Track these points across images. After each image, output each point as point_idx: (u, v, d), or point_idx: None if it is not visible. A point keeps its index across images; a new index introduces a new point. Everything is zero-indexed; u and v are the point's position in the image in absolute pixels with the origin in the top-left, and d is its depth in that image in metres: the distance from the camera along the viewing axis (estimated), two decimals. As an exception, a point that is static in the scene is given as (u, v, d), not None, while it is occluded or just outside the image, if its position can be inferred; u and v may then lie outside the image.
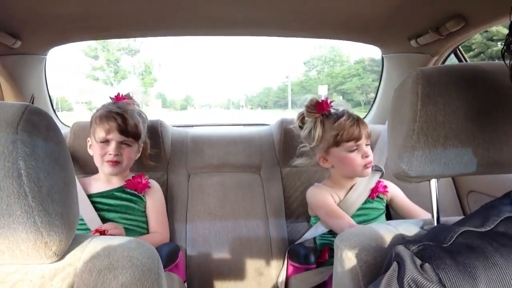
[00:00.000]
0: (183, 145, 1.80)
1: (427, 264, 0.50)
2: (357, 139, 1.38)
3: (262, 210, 1.67)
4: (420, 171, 0.72)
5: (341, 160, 1.42)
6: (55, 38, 1.66)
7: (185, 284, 1.47)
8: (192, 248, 1.60)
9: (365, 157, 1.39)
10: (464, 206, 1.67)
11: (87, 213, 1.39)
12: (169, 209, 1.63)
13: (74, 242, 0.66)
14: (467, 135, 0.70)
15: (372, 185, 1.48)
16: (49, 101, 1.99)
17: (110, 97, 1.55)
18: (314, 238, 1.57)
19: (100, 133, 1.40)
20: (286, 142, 1.74)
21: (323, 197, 1.46)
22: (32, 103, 1.77)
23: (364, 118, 2.23)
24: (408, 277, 0.50)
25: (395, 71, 1.90)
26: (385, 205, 1.53)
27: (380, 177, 1.53)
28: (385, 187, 1.50)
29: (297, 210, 1.69)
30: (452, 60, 1.67)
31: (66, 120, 2.07)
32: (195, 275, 1.57)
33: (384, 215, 1.51)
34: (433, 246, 0.53)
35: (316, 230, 1.52)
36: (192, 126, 2.19)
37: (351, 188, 1.47)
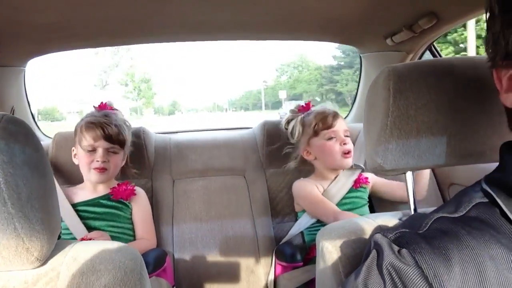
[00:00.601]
0: (167, 151, 1.80)
1: (404, 249, 0.51)
2: (332, 126, 1.48)
3: (248, 211, 1.68)
4: (394, 164, 0.74)
5: (321, 148, 1.51)
6: (33, 49, 1.65)
7: None
8: (180, 252, 1.60)
9: (343, 144, 1.47)
10: (446, 199, 1.70)
11: (73, 222, 1.39)
12: (155, 215, 1.63)
13: (56, 248, 0.66)
14: (439, 127, 0.72)
15: (355, 177, 1.54)
16: (29, 112, 1.97)
17: (94, 106, 1.55)
18: (303, 236, 1.59)
19: (87, 141, 1.40)
20: (269, 143, 1.76)
21: (308, 187, 1.53)
22: (13, 114, 1.76)
23: (345, 117, 2.27)
24: (387, 262, 0.51)
25: (373, 69, 1.94)
26: (367, 195, 1.58)
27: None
28: (367, 178, 1.56)
29: (282, 211, 1.70)
30: (428, 57, 1.71)
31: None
32: (183, 279, 1.57)
33: (367, 206, 1.56)
34: (409, 232, 0.55)
35: (300, 224, 1.56)
36: (176, 132, 2.19)
37: (334, 179, 1.54)
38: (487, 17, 0.54)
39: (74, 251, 0.66)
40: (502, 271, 0.48)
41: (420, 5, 1.28)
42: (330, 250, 0.76)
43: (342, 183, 1.53)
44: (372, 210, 1.66)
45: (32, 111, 2.02)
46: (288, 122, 1.65)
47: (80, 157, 1.44)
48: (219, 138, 1.91)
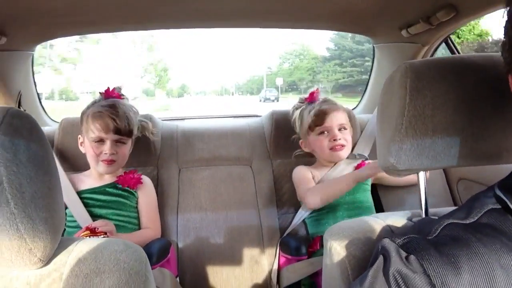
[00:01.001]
0: (173, 139, 1.78)
1: (412, 255, 0.50)
2: (325, 122, 1.51)
3: (253, 202, 1.68)
4: (408, 164, 0.72)
5: (314, 143, 1.56)
6: (41, 34, 1.63)
7: (177, 278, 1.47)
8: (184, 242, 1.60)
9: (333, 140, 1.50)
10: (454, 194, 1.68)
11: (77, 210, 1.39)
12: (160, 203, 1.62)
13: (60, 246, 0.65)
14: (456, 128, 0.70)
15: (354, 165, 1.57)
16: (37, 97, 1.97)
17: (100, 93, 1.50)
18: (306, 227, 1.60)
19: (94, 133, 1.38)
20: (277, 134, 1.74)
21: (302, 173, 1.58)
22: (19, 99, 1.75)
23: (355, 108, 2.23)
24: (394, 269, 0.51)
25: (386, 61, 1.90)
26: (369, 182, 1.59)
27: None
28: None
29: (288, 201, 1.69)
30: (443, 51, 1.67)
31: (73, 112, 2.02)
32: (187, 269, 1.58)
33: (369, 193, 1.59)
34: (418, 238, 0.54)
35: (301, 213, 1.58)
36: (183, 119, 2.17)
37: (334, 166, 1.58)
38: (505, 21, 0.52)
39: (77, 250, 0.65)
40: None
41: None
42: (338, 251, 0.74)
43: (342, 169, 1.55)
44: (378, 198, 1.66)
45: (39, 94, 2.01)
46: (293, 112, 1.66)
47: (87, 148, 1.42)
48: (227, 126, 1.90)
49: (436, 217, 0.78)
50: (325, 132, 1.52)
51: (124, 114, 1.40)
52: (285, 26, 1.82)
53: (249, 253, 1.61)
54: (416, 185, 1.52)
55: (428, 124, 0.69)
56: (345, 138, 1.53)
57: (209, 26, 1.78)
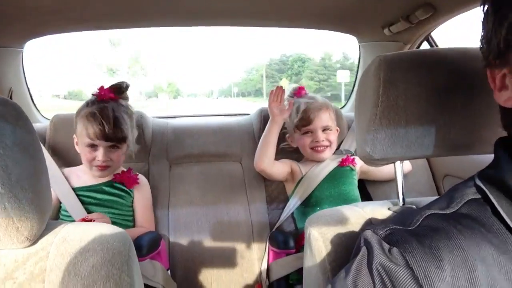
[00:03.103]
0: (164, 136, 1.80)
1: (394, 248, 0.51)
2: (309, 123, 1.55)
3: (243, 197, 1.70)
4: (383, 153, 0.75)
5: (297, 141, 1.62)
6: (31, 31, 1.64)
7: (169, 271, 1.50)
8: (175, 236, 1.62)
9: (315, 141, 1.55)
10: (440, 190, 1.72)
11: (73, 206, 1.38)
12: (152, 199, 1.64)
13: (48, 228, 0.67)
14: (428, 118, 0.72)
15: (339, 160, 1.61)
16: (28, 94, 1.97)
17: (92, 94, 1.42)
18: (295, 222, 1.63)
19: (86, 139, 1.34)
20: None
21: (286, 160, 1.65)
22: (10, 97, 1.76)
23: (343, 106, 2.28)
24: (376, 262, 0.51)
25: (371, 59, 1.91)
26: (356, 175, 1.64)
27: None
28: (353, 159, 1.62)
29: (277, 197, 1.72)
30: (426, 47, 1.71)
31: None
32: (178, 263, 1.59)
33: (355, 185, 1.62)
34: (400, 230, 0.55)
35: (289, 207, 1.61)
36: (173, 117, 2.20)
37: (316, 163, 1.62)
38: (482, 17, 0.53)
39: (64, 231, 0.67)
40: (492, 272, 0.48)
41: None
42: (316, 238, 0.77)
43: (324, 165, 1.60)
44: (366, 192, 1.71)
45: (31, 93, 2.02)
46: None
47: (81, 150, 1.39)
48: (216, 124, 1.92)
49: (414, 206, 0.82)
50: (309, 133, 1.57)
51: (116, 119, 1.35)
52: (269, 25, 1.85)
53: (240, 248, 1.64)
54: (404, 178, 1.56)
55: (401, 115, 0.72)
56: (329, 138, 1.57)
57: (195, 25, 1.80)
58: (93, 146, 1.36)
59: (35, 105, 2.06)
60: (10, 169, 0.57)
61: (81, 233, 0.67)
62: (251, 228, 1.66)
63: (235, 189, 1.72)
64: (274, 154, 1.58)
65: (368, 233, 0.57)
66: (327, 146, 1.57)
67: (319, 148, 1.56)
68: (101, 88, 1.42)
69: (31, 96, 2.01)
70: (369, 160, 0.81)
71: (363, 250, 0.56)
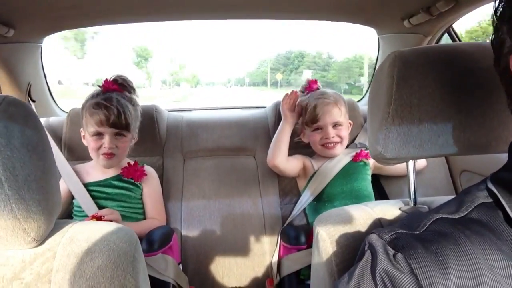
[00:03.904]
0: (178, 129, 1.81)
1: (399, 253, 0.49)
2: (319, 120, 1.53)
3: (256, 192, 1.70)
4: (395, 153, 0.73)
5: (308, 137, 1.60)
6: (49, 26, 1.66)
7: (180, 266, 1.51)
8: (187, 230, 1.64)
9: (325, 138, 1.53)
10: (457, 186, 1.68)
11: (85, 201, 1.41)
12: (165, 192, 1.66)
13: (55, 228, 0.68)
14: (443, 117, 0.70)
15: (353, 154, 1.59)
16: (46, 89, 2.00)
17: (99, 86, 1.48)
18: (307, 217, 1.62)
19: (92, 127, 1.38)
20: None
21: (295, 156, 1.64)
22: (29, 91, 1.79)
23: (360, 99, 2.23)
24: (380, 268, 0.50)
25: (390, 51, 1.87)
26: (369, 170, 1.62)
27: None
28: (367, 153, 1.59)
29: (291, 192, 1.71)
30: (448, 40, 1.66)
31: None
32: (190, 257, 1.61)
33: (368, 181, 1.60)
34: (406, 234, 0.53)
35: (301, 202, 1.60)
36: (189, 110, 2.20)
37: (329, 158, 1.60)
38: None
39: (72, 231, 0.68)
40: (499, 280, 0.46)
41: None
42: (324, 238, 0.76)
43: (337, 160, 1.58)
44: (381, 187, 1.67)
45: (50, 87, 2.05)
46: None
47: (88, 141, 1.43)
48: (231, 117, 1.92)
49: (426, 207, 0.79)
50: (319, 129, 1.54)
51: (121, 107, 1.39)
52: (286, 17, 1.81)
53: (251, 242, 1.64)
54: (419, 174, 1.52)
55: (414, 113, 0.70)
56: (340, 134, 1.54)
57: (210, 18, 1.78)
58: (99, 135, 1.39)
59: (53, 98, 2.09)
60: (18, 171, 0.57)
61: (88, 233, 0.67)
62: (263, 222, 1.65)
63: (248, 183, 1.72)
64: (287, 151, 1.58)
65: (373, 237, 0.55)
66: (337, 142, 1.54)
67: (329, 145, 1.54)
68: (106, 80, 1.48)
69: (49, 90, 2.03)
70: (381, 159, 0.78)
71: (367, 254, 0.54)
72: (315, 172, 1.58)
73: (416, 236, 0.52)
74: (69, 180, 1.44)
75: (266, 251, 1.63)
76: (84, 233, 0.67)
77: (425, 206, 0.80)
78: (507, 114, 0.55)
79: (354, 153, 1.58)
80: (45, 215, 0.61)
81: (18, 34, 1.52)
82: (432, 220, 0.54)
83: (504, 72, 0.52)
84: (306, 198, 1.58)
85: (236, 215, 1.67)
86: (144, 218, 1.50)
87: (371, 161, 1.61)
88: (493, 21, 0.52)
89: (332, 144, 1.53)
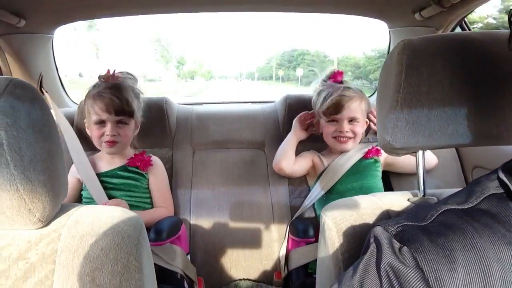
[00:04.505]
0: (188, 122, 1.82)
1: (405, 247, 0.48)
2: (337, 113, 1.50)
3: (266, 185, 1.70)
4: (404, 142, 0.72)
5: (323, 127, 1.58)
6: (59, 17, 1.67)
7: (188, 256, 1.52)
8: (196, 221, 1.64)
9: (339, 131, 1.51)
10: (469, 182, 1.65)
11: (96, 191, 1.43)
12: (174, 184, 1.67)
13: (62, 210, 0.69)
14: (452, 106, 0.69)
15: (365, 150, 1.57)
16: (58, 80, 2.02)
17: (99, 77, 1.48)
18: (315, 210, 1.61)
19: (94, 115, 1.40)
20: (290, 118, 1.74)
21: (304, 154, 1.63)
22: (40, 82, 1.81)
23: (372, 94, 2.21)
24: (385, 262, 0.49)
25: (402, 45, 1.86)
26: (380, 167, 1.60)
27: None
28: (378, 150, 1.58)
29: (300, 186, 1.70)
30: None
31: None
32: (198, 248, 1.62)
33: (379, 178, 1.58)
34: (412, 226, 0.52)
35: (312, 196, 1.59)
36: (199, 104, 2.21)
37: (340, 155, 1.58)
38: None
39: (77, 214, 0.68)
40: (508, 274, 0.45)
41: None
42: (330, 227, 0.75)
43: (348, 157, 1.56)
44: (389, 186, 1.66)
45: (61, 79, 2.07)
46: (316, 90, 1.65)
47: (91, 130, 1.45)
48: (241, 110, 1.92)
49: (435, 198, 0.78)
50: (335, 121, 1.52)
51: (123, 94, 1.41)
52: (297, 10, 1.80)
53: (260, 235, 1.64)
54: (429, 171, 1.50)
55: (423, 101, 0.69)
56: (354, 130, 1.52)
57: (221, 10, 1.77)
58: (101, 123, 1.41)
59: (65, 90, 2.10)
60: (23, 151, 0.57)
61: (93, 216, 0.68)
62: (272, 215, 1.65)
63: (257, 176, 1.72)
64: (294, 157, 1.58)
65: (379, 230, 0.54)
66: (350, 138, 1.52)
67: (341, 139, 1.52)
68: (108, 71, 1.49)
69: (61, 82, 2.05)
70: (389, 149, 0.77)
71: (372, 248, 0.54)
72: (325, 169, 1.57)
73: (422, 228, 0.51)
74: (81, 169, 1.46)
75: (274, 244, 1.63)
76: (89, 216, 0.68)
77: (434, 198, 0.79)
78: None
79: (365, 150, 1.57)
80: (50, 196, 0.61)
81: (29, 25, 1.54)
82: (440, 211, 0.53)
83: None
84: (316, 193, 1.57)
85: (245, 207, 1.67)
86: (152, 208, 1.51)
87: (382, 158, 1.60)
88: None
89: (344, 139, 1.52)
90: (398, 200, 0.79)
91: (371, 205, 0.78)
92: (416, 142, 0.72)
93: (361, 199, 0.81)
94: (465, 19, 1.53)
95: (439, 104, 0.69)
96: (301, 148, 1.66)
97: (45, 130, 0.63)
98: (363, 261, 0.53)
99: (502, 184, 0.53)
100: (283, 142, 1.62)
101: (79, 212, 0.69)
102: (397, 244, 0.50)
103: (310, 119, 1.61)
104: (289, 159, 1.57)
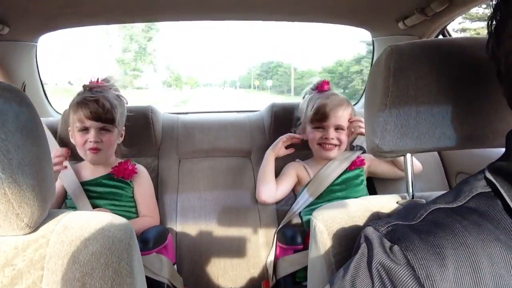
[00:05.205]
0: (174, 130, 1.81)
1: (396, 246, 0.49)
2: (323, 120, 1.52)
3: (252, 193, 1.69)
4: (392, 145, 0.73)
5: (308, 134, 1.59)
6: (43, 25, 1.65)
7: (175, 266, 1.49)
8: (183, 230, 1.63)
9: (325, 138, 1.52)
10: (452, 187, 1.67)
11: (80, 200, 1.41)
12: (160, 193, 1.65)
13: (50, 216, 0.67)
14: (440, 109, 0.70)
15: (352, 159, 1.58)
16: (41, 88, 1.99)
17: (84, 85, 1.49)
18: (301, 218, 1.61)
19: (78, 122, 1.40)
20: (276, 126, 1.76)
21: (289, 170, 1.63)
22: (24, 90, 1.78)
23: (356, 102, 2.24)
24: (376, 261, 0.49)
25: (385, 54, 1.90)
26: (364, 176, 1.62)
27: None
28: (363, 159, 1.60)
29: (286, 194, 1.70)
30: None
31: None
32: (185, 257, 1.60)
33: (364, 186, 1.60)
34: (403, 225, 0.52)
35: (298, 203, 1.59)
36: (185, 113, 2.20)
37: (328, 162, 1.59)
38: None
39: (66, 219, 0.67)
40: (498, 270, 0.45)
41: None
42: (321, 230, 0.75)
43: (333, 168, 1.57)
44: (374, 191, 1.67)
45: (44, 88, 2.04)
46: (303, 98, 1.69)
47: (75, 138, 1.44)
48: (227, 119, 1.92)
49: (424, 200, 0.79)
50: (321, 128, 1.54)
51: (106, 101, 1.41)
52: (281, 19, 1.82)
53: (247, 244, 1.63)
54: (414, 177, 1.51)
55: (411, 104, 0.70)
56: (339, 138, 1.53)
57: (206, 19, 1.79)
58: (85, 130, 1.41)
59: (48, 99, 2.07)
60: (12, 154, 0.56)
61: (82, 221, 0.66)
62: (259, 223, 1.65)
63: (244, 184, 1.72)
64: (274, 180, 1.59)
65: (369, 230, 0.55)
66: (336, 145, 1.53)
67: (327, 146, 1.53)
68: (91, 81, 1.50)
69: (44, 91, 2.02)
70: (378, 153, 0.78)
71: (363, 247, 0.54)
72: (311, 180, 1.58)
73: (412, 226, 0.52)
74: (65, 178, 1.45)
75: (261, 252, 1.62)
76: (78, 221, 0.66)
77: (422, 200, 0.79)
78: (505, 107, 0.55)
79: (350, 159, 1.58)
80: (38, 201, 0.59)
81: (13, 32, 1.52)
82: (429, 210, 0.54)
83: (506, 57, 0.51)
84: (302, 200, 1.57)
85: (231, 216, 1.66)
86: (137, 216, 1.50)
87: (365, 166, 1.62)
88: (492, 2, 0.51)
89: (330, 146, 1.53)
90: (388, 203, 0.80)
91: (361, 207, 0.78)
92: (405, 145, 0.73)
93: (351, 202, 0.82)
94: (447, 27, 1.56)
95: (427, 107, 0.70)
96: (285, 159, 1.66)
97: (34, 134, 0.61)
98: (354, 261, 0.53)
99: (489, 183, 0.54)
100: (262, 166, 1.62)
101: (68, 218, 0.67)
102: (388, 243, 0.50)
103: (296, 141, 1.61)
104: (270, 188, 1.57)
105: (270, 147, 1.62)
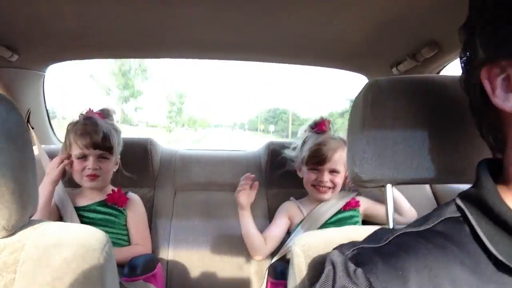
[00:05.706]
0: (171, 163, 1.83)
1: (359, 269, 0.49)
2: (317, 163, 1.52)
3: None
4: (371, 175, 0.75)
5: (303, 174, 1.59)
6: (52, 55, 1.72)
7: None
8: (174, 262, 1.62)
9: (319, 180, 1.52)
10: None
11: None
12: (154, 224, 1.66)
13: (29, 223, 0.68)
14: (416, 140, 0.72)
15: (346, 200, 1.57)
16: (46, 116, 2.04)
17: (81, 114, 1.55)
18: None
19: (76, 150, 1.44)
20: (273, 163, 1.77)
21: (282, 212, 1.63)
22: (28, 117, 1.83)
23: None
24: (338, 285, 0.49)
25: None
26: (359, 217, 1.60)
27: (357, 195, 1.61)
28: (358, 201, 1.59)
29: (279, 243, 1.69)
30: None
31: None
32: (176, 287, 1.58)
33: (359, 224, 1.58)
34: (368, 248, 0.53)
35: (290, 242, 1.56)
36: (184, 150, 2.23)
37: (319, 204, 1.58)
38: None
39: (44, 227, 0.68)
40: None
41: (422, 33, 1.29)
42: (298, 254, 0.76)
43: (327, 207, 1.56)
44: None
45: (50, 117, 2.09)
46: (301, 136, 1.68)
47: (73, 165, 1.47)
48: (224, 154, 1.95)
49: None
50: (316, 170, 1.54)
51: (104, 130, 1.45)
52: (276, 61, 1.87)
53: (239, 278, 1.62)
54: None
55: (388, 134, 0.72)
56: (334, 181, 1.52)
57: (207, 57, 1.84)
58: (83, 157, 1.44)
59: (51, 127, 2.12)
60: None
61: (60, 230, 0.68)
62: (251, 259, 1.64)
63: (238, 220, 1.70)
64: (258, 235, 1.57)
65: (335, 253, 0.55)
66: (330, 188, 1.53)
67: (321, 188, 1.53)
68: (89, 110, 1.56)
69: (49, 119, 2.07)
70: (358, 182, 0.80)
71: (327, 271, 0.54)
72: (304, 218, 1.58)
73: (377, 249, 0.52)
74: (61, 204, 1.47)
75: (254, 285, 1.61)
76: (55, 229, 0.67)
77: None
78: (482, 143, 0.56)
79: (344, 201, 1.57)
80: (17, 205, 0.61)
81: (22, 60, 1.58)
82: (396, 234, 0.54)
83: (474, 89, 0.53)
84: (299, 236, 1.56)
85: (224, 250, 1.65)
86: (129, 244, 1.50)
87: (361, 209, 1.61)
88: (461, 37, 0.53)
89: (324, 188, 1.53)
90: (365, 233, 0.80)
91: (341, 235, 0.79)
92: (383, 175, 0.74)
93: (333, 230, 0.83)
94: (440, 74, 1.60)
95: (403, 137, 0.72)
96: (281, 196, 1.69)
97: (19, 141, 0.64)
98: (319, 284, 0.53)
99: (459, 209, 0.54)
100: (242, 229, 1.60)
101: (47, 226, 0.69)
102: (352, 267, 0.50)
103: (250, 182, 1.60)
104: (257, 245, 1.56)
105: (238, 208, 1.60)
